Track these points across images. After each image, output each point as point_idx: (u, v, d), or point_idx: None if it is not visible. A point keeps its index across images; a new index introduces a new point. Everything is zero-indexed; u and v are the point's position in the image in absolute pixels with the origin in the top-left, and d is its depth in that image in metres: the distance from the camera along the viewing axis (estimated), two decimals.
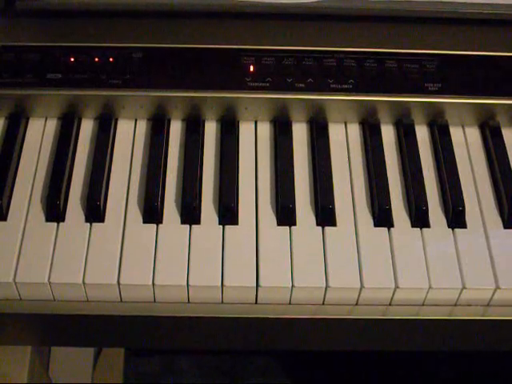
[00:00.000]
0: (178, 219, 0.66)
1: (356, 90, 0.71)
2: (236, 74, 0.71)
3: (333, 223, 0.66)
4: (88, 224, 0.65)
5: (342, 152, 0.72)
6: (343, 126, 0.74)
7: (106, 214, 0.66)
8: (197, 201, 0.66)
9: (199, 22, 0.74)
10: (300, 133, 0.73)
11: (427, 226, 0.66)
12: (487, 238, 0.66)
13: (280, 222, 0.66)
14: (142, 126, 0.73)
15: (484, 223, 0.67)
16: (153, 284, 0.61)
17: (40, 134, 0.72)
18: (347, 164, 0.71)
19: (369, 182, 0.69)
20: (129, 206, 0.66)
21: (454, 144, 0.72)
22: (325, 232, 0.65)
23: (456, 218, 0.66)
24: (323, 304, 0.63)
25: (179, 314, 0.62)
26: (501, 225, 0.67)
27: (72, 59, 0.71)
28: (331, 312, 0.63)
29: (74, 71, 0.70)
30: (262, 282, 0.62)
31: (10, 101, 0.70)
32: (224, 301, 0.63)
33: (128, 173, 0.69)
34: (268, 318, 0.63)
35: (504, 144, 0.72)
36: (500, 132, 0.73)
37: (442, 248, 0.65)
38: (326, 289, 0.62)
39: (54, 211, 0.65)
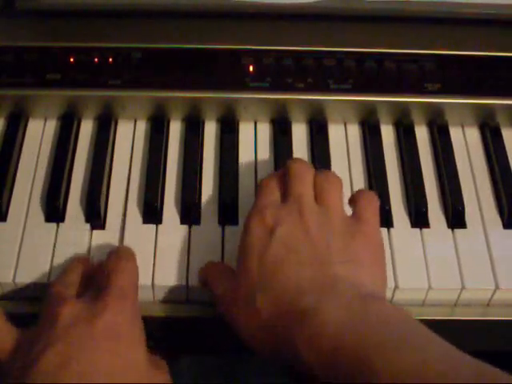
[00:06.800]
0: (178, 219, 0.66)
1: (356, 91, 0.71)
2: (236, 74, 0.71)
3: None
4: (88, 224, 0.65)
5: (342, 152, 0.72)
6: (343, 126, 0.74)
7: (106, 214, 0.66)
8: (196, 201, 0.66)
9: (199, 22, 0.74)
10: (299, 133, 0.73)
11: (427, 226, 0.66)
12: (487, 238, 0.66)
13: None
14: (142, 127, 0.73)
15: (484, 223, 0.67)
16: (152, 284, 0.61)
17: (40, 135, 0.72)
18: (347, 164, 0.71)
19: (368, 182, 0.69)
20: (128, 207, 0.66)
21: (453, 144, 0.72)
22: None
23: (456, 218, 0.66)
24: None
25: (178, 314, 0.63)
26: (500, 225, 0.67)
27: (72, 59, 0.71)
28: None
29: (73, 71, 0.70)
30: None
31: (10, 101, 0.70)
32: None
33: (128, 173, 0.69)
34: None
35: (504, 144, 0.72)
36: (500, 132, 0.73)
37: (441, 248, 0.65)
38: None
39: (54, 212, 0.65)
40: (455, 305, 0.64)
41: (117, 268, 0.56)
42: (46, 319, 0.53)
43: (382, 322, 0.49)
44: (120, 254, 0.59)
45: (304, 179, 0.60)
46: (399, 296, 0.62)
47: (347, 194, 0.67)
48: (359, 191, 0.63)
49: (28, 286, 0.61)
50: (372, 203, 0.61)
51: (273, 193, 0.60)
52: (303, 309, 0.51)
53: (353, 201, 0.62)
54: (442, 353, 0.46)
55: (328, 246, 0.55)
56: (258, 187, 0.62)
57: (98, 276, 0.58)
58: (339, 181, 0.62)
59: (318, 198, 0.59)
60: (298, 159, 0.64)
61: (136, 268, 0.59)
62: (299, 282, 0.53)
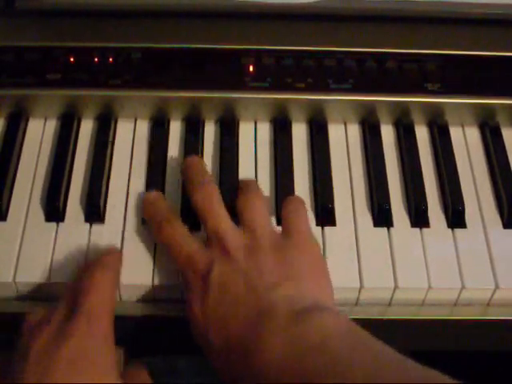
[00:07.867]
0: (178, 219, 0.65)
1: (356, 90, 0.71)
2: (236, 74, 0.71)
3: (332, 223, 0.66)
4: (88, 224, 0.65)
5: (342, 152, 0.72)
6: (343, 126, 0.74)
7: (106, 214, 0.66)
8: None
9: (199, 22, 0.74)
10: (300, 133, 0.73)
11: (427, 225, 0.66)
12: (487, 237, 0.66)
13: (280, 223, 0.66)
14: (142, 126, 0.73)
15: (483, 223, 0.67)
16: (152, 283, 0.61)
17: (40, 134, 0.72)
18: (347, 164, 0.71)
19: (368, 181, 0.69)
20: (128, 207, 0.66)
21: (453, 144, 0.72)
22: (324, 232, 0.65)
23: (456, 217, 0.66)
24: None
25: (178, 313, 0.63)
26: (500, 225, 0.67)
27: (72, 59, 0.71)
28: None
29: (73, 71, 0.70)
30: None
31: (10, 101, 0.70)
32: None
33: (128, 173, 0.69)
34: None
35: (504, 144, 0.72)
36: (500, 132, 0.73)
37: (441, 248, 0.65)
38: None
39: (54, 211, 0.65)
40: (455, 304, 0.64)
41: (87, 285, 0.54)
42: (19, 351, 0.52)
43: (320, 344, 0.49)
44: (97, 264, 0.56)
45: (213, 208, 0.60)
46: (399, 296, 0.62)
47: (347, 194, 0.67)
48: (283, 202, 0.63)
49: (28, 286, 0.62)
50: (298, 212, 0.61)
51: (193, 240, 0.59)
52: (245, 349, 0.51)
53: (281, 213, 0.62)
54: (384, 366, 0.47)
55: (261, 272, 0.55)
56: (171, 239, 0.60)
57: (73, 291, 0.55)
58: (257, 193, 0.61)
59: (240, 219, 0.59)
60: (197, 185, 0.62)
61: (113, 278, 0.57)
62: (239, 325, 0.53)
